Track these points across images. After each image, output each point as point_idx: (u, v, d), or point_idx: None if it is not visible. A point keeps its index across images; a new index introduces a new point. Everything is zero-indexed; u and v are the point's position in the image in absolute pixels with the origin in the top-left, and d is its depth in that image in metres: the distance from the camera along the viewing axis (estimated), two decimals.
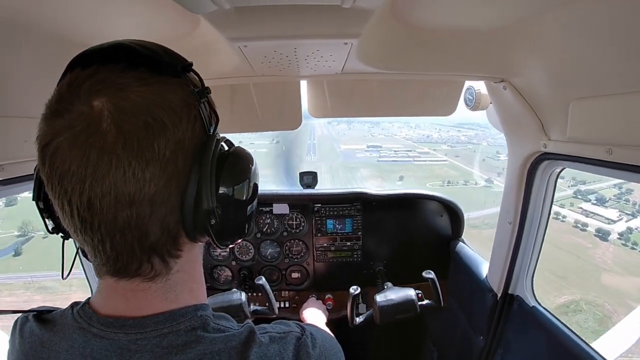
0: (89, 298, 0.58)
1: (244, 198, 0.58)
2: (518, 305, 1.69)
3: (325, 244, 2.31)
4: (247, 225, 0.62)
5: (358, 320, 1.90)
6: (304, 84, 1.79)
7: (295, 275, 2.35)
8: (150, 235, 0.51)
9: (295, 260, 2.33)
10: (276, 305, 1.88)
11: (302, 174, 2.38)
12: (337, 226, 2.29)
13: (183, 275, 0.58)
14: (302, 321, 1.95)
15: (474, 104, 1.65)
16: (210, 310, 0.59)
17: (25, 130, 1.00)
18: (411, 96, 1.79)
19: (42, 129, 0.49)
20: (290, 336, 0.60)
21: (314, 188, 2.36)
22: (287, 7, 0.91)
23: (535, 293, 1.68)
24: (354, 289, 1.86)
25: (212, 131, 0.56)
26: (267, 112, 1.85)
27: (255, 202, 0.62)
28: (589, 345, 1.34)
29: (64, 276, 0.66)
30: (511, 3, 0.94)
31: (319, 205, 2.26)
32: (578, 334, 1.40)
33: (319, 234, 2.29)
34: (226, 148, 0.60)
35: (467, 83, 1.69)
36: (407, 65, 1.33)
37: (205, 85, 0.57)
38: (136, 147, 0.47)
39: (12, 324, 0.62)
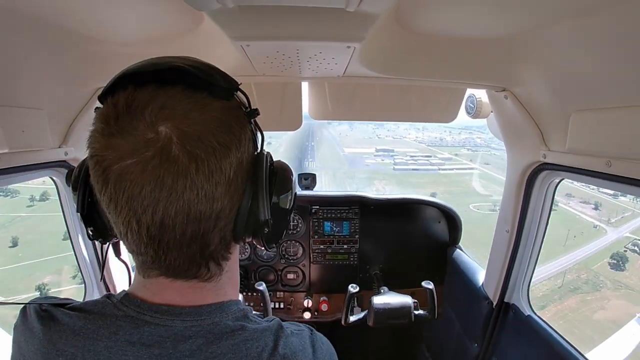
0: (126, 291, 0.60)
1: (289, 207, 0.66)
2: (513, 313, 1.69)
3: (322, 246, 2.30)
4: (287, 229, 0.71)
5: (352, 319, 1.90)
6: (305, 86, 1.79)
7: (291, 276, 2.34)
8: (211, 245, 0.56)
9: (292, 261, 2.32)
10: (271, 311, 1.88)
11: (300, 175, 2.38)
12: (335, 229, 2.28)
13: (229, 274, 0.64)
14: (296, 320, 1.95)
15: (475, 112, 1.65)
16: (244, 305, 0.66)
17: (22, 120, 0.99)
18: (412, 102, 1.79)
19: (99, 149, 0.50)
20: (304, 333, 0.68)
21: (312, 190, 2.35)
22: (291, 8, 0.90)
23: (531, 302, 1.68)
24: (353, 287, 1.87)
25: (261, 148, 0.62)
26: (267, 112, 1.82)
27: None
28: (583, 356, 1.34)
29: (102, 277, 0.69)
30: (515, 14, 0.94)
31: (317, 207, 2.25)
32: (573, 344, 1.40)
33: (316, 236, 2.29)
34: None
35: (469, 91, 1.69)
36: (409, 71, 1.32)
37: (255, 108, 0.61)
38: (207, 170, 0.51)
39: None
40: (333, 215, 2.26)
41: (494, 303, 1.75)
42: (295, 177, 0.68)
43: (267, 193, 0.59)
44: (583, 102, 1.08)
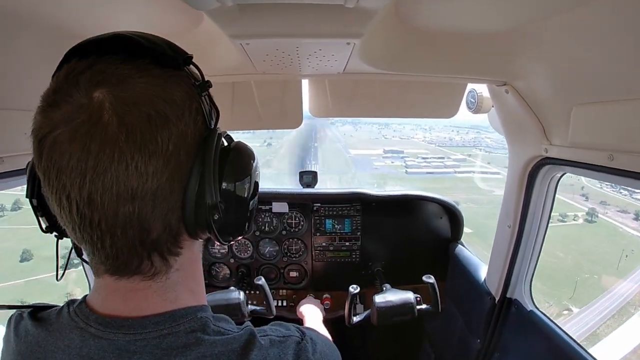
0: (86, 296, 0.57)
1: (246, 193, 0.58)
2: (516, 309, 1.69)
3: (323, 244, 2.31)
4: (248, 222, 0.61)
5: (355, 319, 1.90)
6: (305, 83, 1.78)
7: (293, 274, 2.35)
8: (152, 231, 0.50)
9: (294, 259, 2.33)
10: (274, 305, 1.88)
11: (301, 173, 2.39)
12: (336, 226, 2.28)
13: (183, 274, 0.57)
14: (298, 317, 1.95)
15: (476, 107, 1.64)
16: (210, 312, 0.58)
17: (24, 123, 0.98)
18: (413, 97, 1.79)
19: (39, 121, 0.48)
20: (290, 340, 0.60)
21: (313, 187, 2.36)
22: (290, 6, 0.90)
23: (533, 297, 1.68)
24: (354, 288, 1.86)
25: (213, 125, 0.56)
26: (268, 110, 1.84)
27: (256, 199, 0.62)
28: (586, 351, 1.34)
29: (59, 278, 0.65)
30: (515, 7, 0.94)
31: (319, 204, 2.26)
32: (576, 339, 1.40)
33: (317, 234, 2.29)
34: (226, 143, 0.59)
35: (470, 86, 1.68)
36: (409, 66, 1.32)
37: (206, 80, 0.56)
38: (139, 139, 0.46)
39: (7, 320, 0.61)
40: (334, 213, 2.27)
41: (496, 298, 1.75)
42: (256, 163, 0.61)
43: (216, 173, 0.53)
44: (585, 95, 1.08)
